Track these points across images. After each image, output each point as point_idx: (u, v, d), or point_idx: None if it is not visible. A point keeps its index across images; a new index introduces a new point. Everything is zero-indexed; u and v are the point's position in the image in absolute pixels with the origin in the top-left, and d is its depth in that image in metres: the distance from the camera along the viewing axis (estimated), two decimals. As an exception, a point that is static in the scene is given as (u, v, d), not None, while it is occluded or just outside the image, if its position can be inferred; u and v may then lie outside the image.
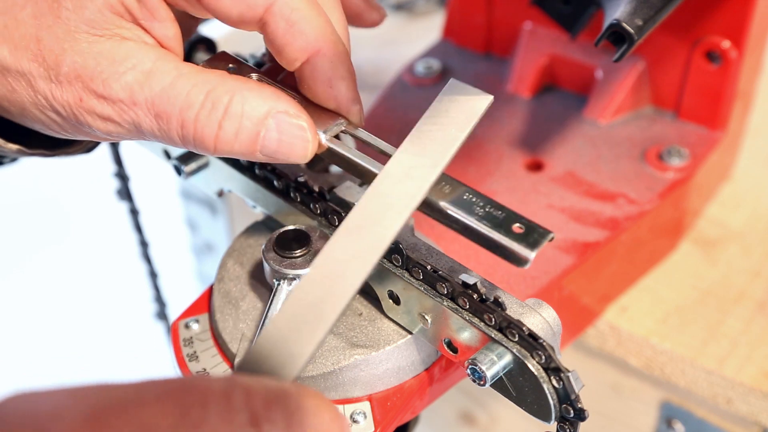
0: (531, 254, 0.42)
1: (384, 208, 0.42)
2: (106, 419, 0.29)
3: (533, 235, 0.42)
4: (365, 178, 0.47)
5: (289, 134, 0.45)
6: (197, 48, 0.60)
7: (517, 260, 0.42)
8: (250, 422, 0.32)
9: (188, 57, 0.60)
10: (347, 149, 0.47)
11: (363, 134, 0.48)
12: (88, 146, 0.55)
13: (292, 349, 0.37)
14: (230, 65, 0.50)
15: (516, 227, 0.42)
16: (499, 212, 0.43)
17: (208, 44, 0.61)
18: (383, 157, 0.47)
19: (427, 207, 0.45)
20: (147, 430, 0.29)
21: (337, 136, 0.47)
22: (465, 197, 0.44)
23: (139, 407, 0.30)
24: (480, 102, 0.46)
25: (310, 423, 0.34)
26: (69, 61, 0.45)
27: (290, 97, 0.46)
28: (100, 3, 0.45)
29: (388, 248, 0.41)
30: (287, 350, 0.37)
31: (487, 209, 0.43)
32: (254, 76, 0.49)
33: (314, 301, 0.38)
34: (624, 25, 0.51)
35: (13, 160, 0.57)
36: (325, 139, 0.47)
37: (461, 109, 0.46)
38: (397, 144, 0.47)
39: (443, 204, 0.44)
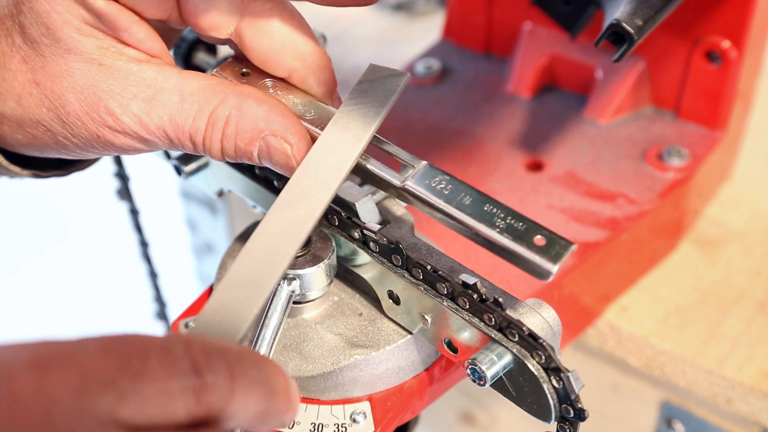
0: (554, 267, 0.41)
1: (313, 183, 0.44)
2: (48, 365, 0.31)
3: (555, 247, 0.41)
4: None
5: (277, 158, 0.46)
6: (197, 48, 0.60)
7: (540, 273, 0.42)
8: (192, 370, 0.33)
9: (188, 57, 0.60)
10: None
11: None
12: (98, 159, 0.56)
13: (234, 317, 0.40)
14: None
15: (537, 239, 0.42)
16: (521, 224, 0.43)
17: (208, 44, 0.61)
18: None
19: (449, 219, 0.44)
20: (88, 377, 0.31)
21: None
22: (486, 208, 0.44)
23: (81, 356, 0.32)
24: (397, 80, 0.48)
25: (254, 374, 0.35)
26: (72, 99, 0.46)
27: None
28: (68, 29, 0.45)
29: (319, 219, 0.44)
30: (229, 318, 0.40)
31: (508, 221, 0.43)
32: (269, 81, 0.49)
33: (253, 271, 0.41)
34: (624, 25, 0.51)
35: None
36: None
37: (380, 89, 0.48)
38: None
39: (464, 216, 0.44)
